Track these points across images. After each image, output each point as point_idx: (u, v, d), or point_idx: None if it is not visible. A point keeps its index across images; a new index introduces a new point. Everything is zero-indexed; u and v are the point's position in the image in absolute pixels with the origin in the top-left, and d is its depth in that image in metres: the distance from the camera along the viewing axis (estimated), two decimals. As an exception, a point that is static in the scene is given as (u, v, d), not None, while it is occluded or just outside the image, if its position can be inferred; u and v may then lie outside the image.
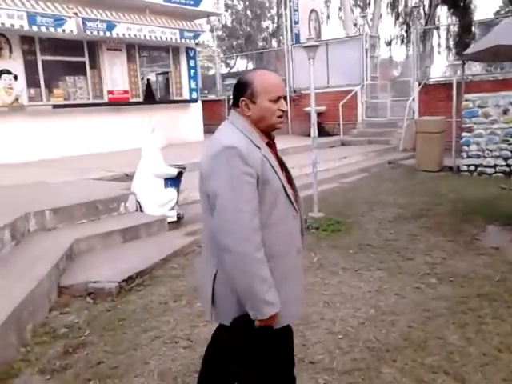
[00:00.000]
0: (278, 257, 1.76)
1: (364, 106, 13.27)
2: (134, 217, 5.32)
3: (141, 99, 11.98)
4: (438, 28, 20.79)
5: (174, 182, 5.71)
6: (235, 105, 1.83)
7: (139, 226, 5.06)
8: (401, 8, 22.68)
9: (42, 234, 4.65)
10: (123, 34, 10.47)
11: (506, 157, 8.22)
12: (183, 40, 11.95)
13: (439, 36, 21.33)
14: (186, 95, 13.12)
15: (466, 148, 8.58)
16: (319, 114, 13.63)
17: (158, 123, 5.70)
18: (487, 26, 11.22)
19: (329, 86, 13.87)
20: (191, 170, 8.02)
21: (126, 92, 11.49)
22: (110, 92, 11.15)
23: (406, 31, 21.64)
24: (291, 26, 15.02)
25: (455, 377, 2.60)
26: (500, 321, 3.19)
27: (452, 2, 14.35)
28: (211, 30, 47.19)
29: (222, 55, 41.79)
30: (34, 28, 8.94)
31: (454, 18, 15.51)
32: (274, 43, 35.06)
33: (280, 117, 1.81)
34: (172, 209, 5.66)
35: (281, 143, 2.08)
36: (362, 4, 25.29)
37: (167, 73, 12.93)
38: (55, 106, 10.12)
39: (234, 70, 44.58)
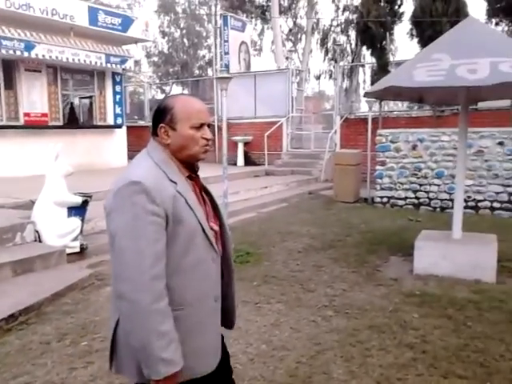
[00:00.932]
0: (191, 304, 1.57)
1: (289, 137, 13.60)
2: (30, 248, 5.00)
3: (61, 123, 11.54)
4: (363, 65, 21.99)
5: (78, 211, 5.45)
6: (154, 132, 1.63)
7: (34, 258, 4.75)
8: (329, 44, 23.81)
9: None
10: (43, 56, 10.10)
11: (414, 189, 8.67)
12: (109, 65, 11.74)
13: (364, 73, 22.59)
14: (110, 120, 12.82)
15: (379, 180, 8.96)
16: (246, 144, 13.84)
17: (62, 150, 5.44)
18: (402, 66, 11.96)
19: (256, 117, 14.13)
20: (101, 198, 7.79)
21: (44, 115, 11.03)
22: (26, 114, 10.65)
23: (334, 67, 22.70)
24: (221, 57, 15.26)
25: (332, 414, 2.58)
26: (385, 352, 3.24)
27: (370, 43, 15.21)
28: (147, 56, 46.92)
29: (157, 81, 41.64)
30: None
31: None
32: (210, 72, 35.49)
33: (205, 145, 1.62)
34: (75, 239, 5.39)
35: (204, 172, 1.91)
36: (293, 39, 26.34)
37: (91, 97, 12.60)
38: (-37, 127, 9.52)
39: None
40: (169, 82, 42.48)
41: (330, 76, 23.74)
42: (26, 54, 9.85)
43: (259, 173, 12.13)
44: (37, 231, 5.24)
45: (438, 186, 8.50)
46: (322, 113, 16.88)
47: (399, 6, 15.97)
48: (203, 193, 1.72)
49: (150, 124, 1.68)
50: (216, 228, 1.70)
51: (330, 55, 23.34)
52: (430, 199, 8.58)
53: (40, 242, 5.24)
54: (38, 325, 3.72)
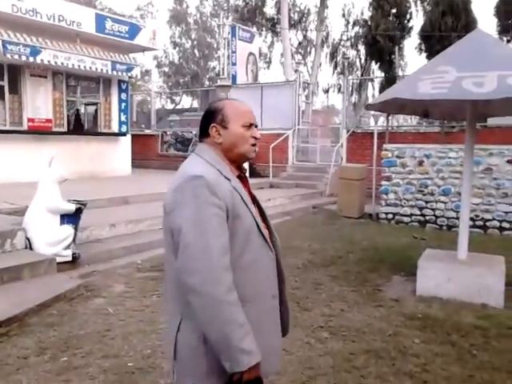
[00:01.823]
0: (250, 301, 1.53)
1: (295, 150, 13.45)
2: (19, 255, 4.85)
3: (65, 129, 11.48)
4: (372, 80, 21.88)
5: (71, 218, 5.31)
6: (203, 136, 1.67)
7: (22, 266, 4.60)
8: (339, 58, 23.75)
9: None
10: (49, 61, 10.07)
11: (420, 206, 8.45)
12: (115, 72, 11.70)
13: (373, 88, 22.47)
14: (115, 128, 12.76)
15: (384, 196, 8.76)
16: (251, 155, 13.68)
17: (56, 155, 5.31)
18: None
19: (262, 128, 13.97)
20: (101, 206, 7.67)
21: (48, 121, 10.98)
22: (30, 120, 10.60)
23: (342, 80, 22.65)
24: (229, 67, 15.22)
25: None
26: (381, 380, 3.03)
27: (378, 57, 15.10)
28: (158, 66, 47.34)
29: (167, 90, 41.86)
30: None
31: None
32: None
33: (253, 145, 1.65)
34: (67, 248, 5.24)
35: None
36: (302, 52, 26.33)
37: (97, 104, 12.56)
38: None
39: (179, 106, 44.83)
40: (179, 91, 42.88)
41: (339, 90, 23.55)
42: (31, 60, 9.81)
43: (263, 185, 11.96)
44: (28, 238, 5.10)
45: (445, 203, 8.27)
46: (329, 126, 16.74)
47: (408, 21, 15.89)
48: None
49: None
50: (266, 231, 1.67)
51: (339, 69, 23.25)
52: (437, 217, 8.35)
53: (31, 249, 5.09)
54: (19, 337, 3.55)
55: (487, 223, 7.93)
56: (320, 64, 24.64)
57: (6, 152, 9.86)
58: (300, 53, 26.65)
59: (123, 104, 12.93)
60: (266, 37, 27.66)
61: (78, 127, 12.24)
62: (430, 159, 8.39)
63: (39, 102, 10.79)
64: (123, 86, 12.89)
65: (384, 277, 5.34)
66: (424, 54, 14.01)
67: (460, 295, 4.56)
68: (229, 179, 1.56)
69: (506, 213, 7.79)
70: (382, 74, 15.87)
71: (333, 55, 23.65)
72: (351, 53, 23.55)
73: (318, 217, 9.24)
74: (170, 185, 1.58)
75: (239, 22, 20.40)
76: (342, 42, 23.94)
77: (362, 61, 21.92)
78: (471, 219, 7.86)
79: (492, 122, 10.75)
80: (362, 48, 21.65)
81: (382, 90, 15.27)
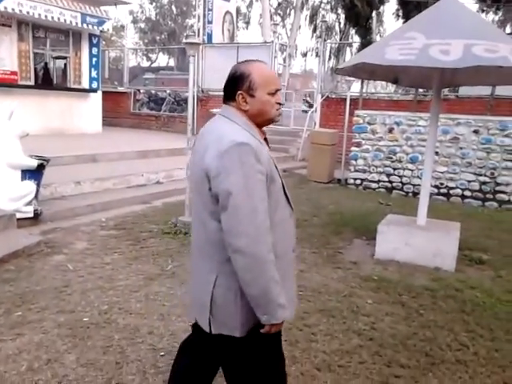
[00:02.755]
0: (280, 256, 1.66)
1: (269, 113, 13.32)
2: (-23, 210, 4.75)
3: (32, 83, 11.08)
4: (350, 45, 21.67)
5: (33, 174, 5.19)
6: (229, 99, 1.72)
7: (-20, 221, 4.51)
8: (318, 22, 23.36)
9: None
10: (13, 9, 9.60)
11: (388, 173, 8.58)
12: (85, 25, 11.26)
13: (352, 53, 22.25)
14: (85, 84, 12.36)
15: (354, 162, 8.85)
16: (225, 117, 13.54)
17: (18, 109, 5.14)
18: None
19: (238, 90, 13.79)
20: (67, 163, 7.53)
21: (13, 73, 10.55)
22: (-7, 71, 10.18)
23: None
24: (204, 26, 14.78)
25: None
26: (331, 338, 3.15)
27: (355, 22, 14.92)
28: (133, 22, 45.50)
29: (143, 47, 40.54)
30: None
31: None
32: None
33: (277, 109, 1.73)
34: (29, 204, 5.15)
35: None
36: (282, 13, 25.77)
37: (66, 58, 12.10)
38: None
39: (155, 64, 43.64)
40: (155, 48, 41.63)
41: (317, 54, 23.35)
42: (-6, 7, 9.34)
43: (235, 147, 11.87)
44: (-13, 194, 4.98)
45: (412, 170, 8.42)
46: (304, 91, 16.61)
47: (387, -14, 15.68)
48: None
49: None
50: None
51: (318, 32, 22.92)
52: (403, 184, 8.51)
53: (-10, 205, 4.98)
54: (-26, 292, 3.53)
55: (451, 191, 8.14)
56: (299, 27, 24.19)
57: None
58: (279, 14, 26.10)
59: (94, 59, 12.49)
60: (245, -5, 26.92)
61: (46, 81, 11.82)
62: (399, 127, 8.47)
63: (3, 52, 10.31)
64: (94, 41, 12.42)
65: (346, 240, 5.47)
66: (401, 21, 13.91)
67: (416, 259, 4.71)
68: (262, 143, 1.66)
69: (469, 181, 7.99)
70: (360, 39, 15.70)
71: (312, 18, 23.25)
72: (331, 16, 23.24)
73: (288, 180, 9.24)
74: (210, 149, 1.61)
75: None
76: (322, 5, 23.52)
77: (342, 25, 21.66)
78: (436, 187, 8.06)
79: (464, 92, 10.85)
80: (341, 12, 21.31)
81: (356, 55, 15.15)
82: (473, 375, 2.76)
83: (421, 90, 10.76)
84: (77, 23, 11.00)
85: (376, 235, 5.00)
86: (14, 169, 5.06)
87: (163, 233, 5.25)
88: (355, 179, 8.85)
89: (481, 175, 7.89)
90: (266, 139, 1.77)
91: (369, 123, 8.69)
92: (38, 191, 5.29)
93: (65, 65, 12.27)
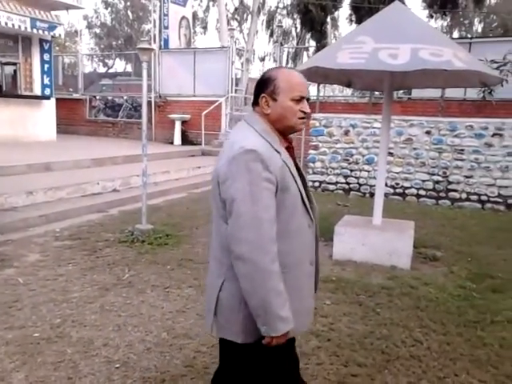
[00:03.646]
0: (292, 267, 1.66)
1: (228, 118, 13.34)
2: None
3: (-22, 90, 10.68)
4: (307, 49, 21.97)
5: (-20, 185, 4.99)
6: (255, 103, 1.72)
7: None
8: (275, 27, 23.58)
9: None
10: (-44, 14, 9.23)
11: (345, 175, 8.74)
12: (35, 30, 10.95)
13: (308, 57, 22.58)
14: (37, 91, 12.03)
15: (311, 165, 8.96)
16: (184, 122, 13.47)
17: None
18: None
19: (195, 95, 13.75)
20: (18, 172, 7.27)
21: (-41, 80, 10.13)
22: None
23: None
24: (160, 31, 14.65)
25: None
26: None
27: (310, 26, 15.16)
28: (88, 27, 44.55)
29: (98, 53, 39.76)
30: None
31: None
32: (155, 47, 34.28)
33: (302, 118, 1.68)
34: (-24, 216, 4.94)
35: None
36: (239, 18, 25.85)
37: (16, 64, 11.71)
38: None
39: (112, 70, 42.83)
40: (111, 54, 40.88)
41: (274, 59, 23.58)
42: None
43: (195, 152, 11.83)
44: None
45: (368, 172, 8.60)
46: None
47: (340, -9, 16.00)
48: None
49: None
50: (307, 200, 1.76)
51: (275, 37, 23.13)
52: (360, 185, 8.68)
53: None
54: None
55: (406, 191, 8.36)
56: (256, 31, 24.33)
57: None
58: (236, 19, 26.16)
59: (46, 65, 12.17)
60: (201, 0, 26.87)
61: (-4, 88, 11.44)
62: (355, 129, 8.64)
63: None
64: (46, 46, 12.10)
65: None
66: (354, 25, 14.23)
67: (372, 258, 4.80)
68: (279, 152, 1.62)
69: (423, 181, 8.23)
70: (315, 44, 15.96)
71: (269, 23, 23.45)
72: (287, 21, 23.51)
73: (248, 185, 9.29)
74: (223, 154, 1.64)
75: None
76: (279, 10, 23.75)
77: (298, 30, 21.94)
78: (392, 187, 8.27)
79: (416, 94, 11.20)
80: (297, 17, 21.58)
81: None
82: (426, 369, 2.83)
83: (377, 93, 11.04)
84: (26, 28, 10.69)
85: (333, 236, 5.07)
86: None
87: (120, 242, 5.14)
88: (313, 181, 8.96)
89: (434, 175, 8.15)
90: (289, 147, 1.73)
91: (325, 126, 8.83)
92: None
93: (14, 71, 11.87)
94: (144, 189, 5.40)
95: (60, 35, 12.33)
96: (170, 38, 14.60)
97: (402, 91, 11.18)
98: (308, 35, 21.25)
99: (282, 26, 16.13)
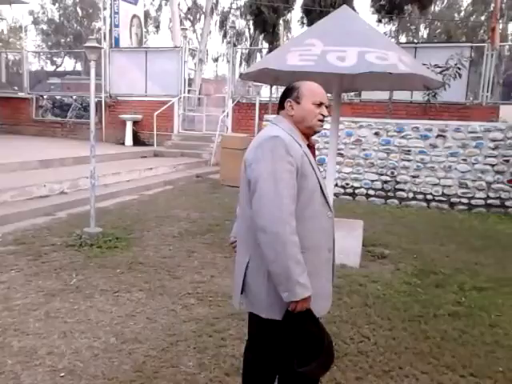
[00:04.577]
0: (310, 250, 1.81)
1: (180, 118, 13.22)
2: None
3: None
4: (260, 50, 22.11)
5: None
6: (281, 107, 2.00)
7: None
8: (228, 27, 23.57)
9: None
10: None
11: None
12: (-24, 26, 10.42)
13: (261, 57, 22.70)
14: (-23, 89, 11.46)
15: (265, 165, 9.00)
16: (135, 123, 13.23)
17: None
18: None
19: (147, 95, 13.53)
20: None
21: None
22: None
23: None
24: (111, 29, 14.31)
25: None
26: (240, 341, 3.15)
27: (262, 28, 15.29)
28: (34, 23, 42.92)
29: (46, 50, 38.40)
30: None
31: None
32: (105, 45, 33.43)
33: (320, 120, 1.95)
34: None
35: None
36: (192, 18, 25.65)
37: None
38: None
39: (61, 68, 41.43)
40: (59, 52, 39.52)
41: (228, 60, 23.58)
42: None
43: (147, 153, 11.63)
44: None
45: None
46: (216, 95, 16.68)
47: (292, -6, 16.20)
48: None
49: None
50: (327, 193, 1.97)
51: (228, 38, 23.12)
52: (312, 185, 8.80)
53: None
54: None
55: (356, 191, 8.57)
56: (210, 32, 24.28)
57: None
58: (189, 19, 25.95)
59: (-13, 62, 11.62)
60: (153, -1, 26.46)
61: None
62: (307, 130, 8.75)
63: None
64: (-13, 42, 11.54)
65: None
66: (306, 28, 14.46)
67: (323, 257, 4.88)
68: (300, 145, 1.86)
69: (372, 181, 8.47)
70: (268, 45, 16.08)
71: (222, 24, 23.43)
72: (241, 22, 23.56)
73: (201, 186, 9.26)
74: (252, 144, 1.90)
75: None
76: (232, 11, 23.76)
77: (251, 31, 22.02)
78: (342, 187, 8.45)
79: (366, 96, 11.50)
80: (250, 18, 21.67)
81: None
82: (372, 364, 2.91)
83: (329, 95, 11.22)
84: (-34, 23, 10.17)
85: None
86: None
87: (67, 246, 4.97)
88: (267, 182, 9.01)
89: (382, 175, 8.39)
90: (310, 146, 1.97)
91: (278, 127, 8.89)
92: None
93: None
94: (92, 191, 5.25)
95: (2, 30, 11.79)
96: (120, 36, 14.30)
97: (353, 93, 11.44)
98: (261, 36, 21.38)
99: (235, 27, 16.12)
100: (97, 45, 5.18)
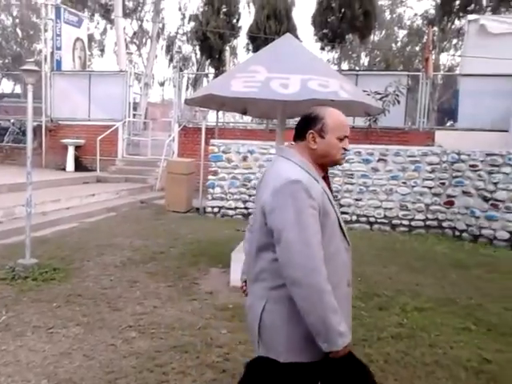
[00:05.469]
0: (334, 287, 1.70)
1: (125, 143, 12.96)
2: None
3: None
4: (207, 75, 22.23)
5: None
6: (299, 137, 1.86)
7: None
8: (175, 52, 23.62)
9: None
10: None
11: (244, 200, 8.85)
12: None
13: (208, 82, 22.84)
14: None
15: (211, 190, 8.95)
16: (78, 148, 12.85)
17: None
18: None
19: (90, 119, 13.20)
20: None
21: None
22: None
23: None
24: (53, 52, 13.92)
25: None
26: (183, 375, 3.04)
27: (209, 53, 15.44)
28: (-32, 42, 41.04)
29: (-18, 72, 36.86)
30: None
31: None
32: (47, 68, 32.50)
33: (343, 154, 1.85)
34: None
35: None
36: (138, 42, 25.51)
37: None
38: None
39: (-2, 91, 39.77)
40: (-4, 74, 37.97)
41: (174, 84, 23.54)
42: None
43: (89, 179, 11.26)
44: None
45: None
46: (162, 120, 16.55)
47: (237, 20, 16.50)
48: None
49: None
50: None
51: (174, 62, 23.13)
52: (259, 209, 8.81)
53: None
54: None
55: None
56: (156, 56, 24.19)
57: None
58: (135, 43, 25.79)
59: None
60: (98, 23, 26.15)
61: None
62: (253, 155, 8.82)
63: None
64: None
65: (203, 270, 5.43)
66: (251, 54, 14.73)
67: (269, 283, 4.84)
68: (317, 180, 1.77)
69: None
70: (214, 71, 16.22)
71: (168, 48, 23.42)
72: (187, 47, 23.66)
73: (145, 212, 9.04)
74: (268, 186, 1.76)
75: (69, 4, 18.85)
76: (179, 36, 23.85)
77: (198, 56, 22.14)
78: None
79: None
80: (197, 43, 21.84)
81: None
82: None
83: (275, 120, 11.40)
84: None
85: (231, 263, 5.05)
86: None
87: (-2, 279, 4.66)
88: (213, 207, 8.94)
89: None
90: (325, 177, 1.87)
91: (224, 152, 8.90)
92: None
93: None
94: (28, 219, 4.98)
95: None
96: (63, 59, 13.91)
97: (298, 119, 11.67)
98: (207, 62, 21.55)
99: (181, 52, 16.21)
100: (35, 68, 5.00)
